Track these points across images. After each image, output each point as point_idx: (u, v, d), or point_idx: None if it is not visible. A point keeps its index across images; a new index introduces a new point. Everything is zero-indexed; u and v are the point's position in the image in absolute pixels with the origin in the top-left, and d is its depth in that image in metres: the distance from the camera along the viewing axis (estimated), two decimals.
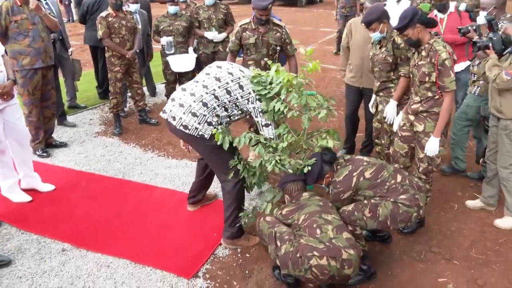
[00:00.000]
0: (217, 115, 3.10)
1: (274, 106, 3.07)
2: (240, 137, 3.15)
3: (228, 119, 3.21)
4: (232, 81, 3.14)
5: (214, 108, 3.08)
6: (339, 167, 3.08)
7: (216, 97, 3.08)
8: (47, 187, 4.11)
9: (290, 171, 3.13)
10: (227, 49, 4.49)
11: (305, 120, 3.08)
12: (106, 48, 5.30)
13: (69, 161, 4.76)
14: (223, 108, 3.12)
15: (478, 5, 5.47)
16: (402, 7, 5.74)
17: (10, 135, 3.81)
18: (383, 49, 3.69)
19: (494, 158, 3.64)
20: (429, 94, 3.28)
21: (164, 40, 5.61)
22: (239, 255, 3.31)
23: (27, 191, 4.02)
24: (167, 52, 5.64)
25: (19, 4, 4.45)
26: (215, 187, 4.16)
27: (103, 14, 5.17)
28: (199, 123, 3.05)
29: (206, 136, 3.08)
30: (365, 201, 2.97)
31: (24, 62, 4.53)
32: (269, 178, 3.52)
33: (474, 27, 3.83)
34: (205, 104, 3.06)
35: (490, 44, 3.39)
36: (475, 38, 3.58)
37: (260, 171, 3.19)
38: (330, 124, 5.75)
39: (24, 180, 4.05)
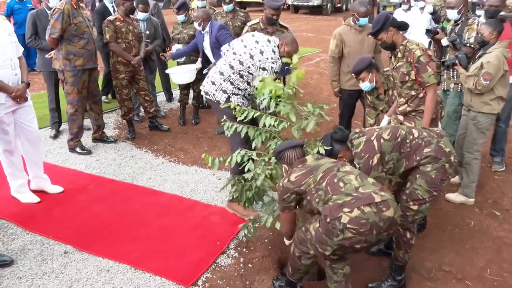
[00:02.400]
0: (232, 83, 3.57)
1: (264, 123, 3.05)
2: (232, 156, 3.15)
3: (247, 89, 3.60)
4: (244, 53, 3.55)
5: (229, 76, 3.56)
6: (353, 141, 2.87)
7: (231, 67, 3.57)
8: (56, 189, 4.13)
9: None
10: None
11: (295, 132, 3.05)
12: (111, 53, 5.27)
13: (80, 163, 4.78)
14: (238, 75, 3.56)
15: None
16: (412, 15, 5.71)
17: (22, 135, 3.84)
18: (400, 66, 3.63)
19: (462, 143, 4.06)
20: (413, 92, 3.41)
21: (175, 48, 5.54)
22: (241, 265, 3.22)
23: (36, 192, 4.05)
24: (178, 60, 5.58)
25: (74, 7, 4.60)
26: (222, 197, 4.11)
27: (111, 18, 5.18)
28: (216, 90, 3.61)
29: (221, 102, 3.53)
30: (403, 197, 2.85)
31: (77, 63, 4.72)
32: (270, 189, 3.43)
33: (440, 27, 4.29)
34: (221, 73, 3.60)
35: (457, 61, 3.91)
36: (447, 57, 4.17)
37: (256, 185, 3.12)
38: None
39: (34, 181, 4.08)
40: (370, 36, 3.50)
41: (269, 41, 3.61)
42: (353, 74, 3.76)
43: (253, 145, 3.23)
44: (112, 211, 3.86)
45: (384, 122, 3.85)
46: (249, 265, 3.22)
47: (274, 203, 3.19)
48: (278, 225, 2.97)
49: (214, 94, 3.61)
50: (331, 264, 2.62)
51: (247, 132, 3.18)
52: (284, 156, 2.74)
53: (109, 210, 3.88)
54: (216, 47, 4.89)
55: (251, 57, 3.52)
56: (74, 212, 3.84)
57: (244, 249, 3.38)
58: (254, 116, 3.13)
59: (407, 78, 3.35)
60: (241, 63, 3.54)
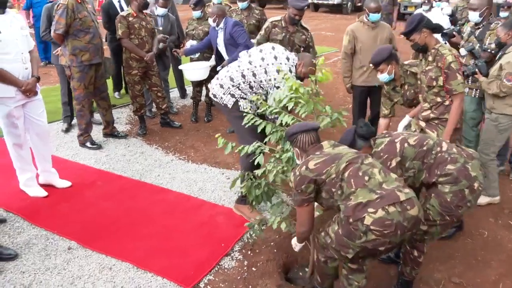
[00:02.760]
0: (240, 89, 3.55)
1: (281, 120, 2.99)
2: (244, 147, 3.09)
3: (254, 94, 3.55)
4: (260, 66, 3.51)
5: (239, 84, 3.53)
6: (376, 140, 2.75)
7: (243, 76, 3.54)
8: (64, 184, 4.13)
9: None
10: (255, 41, 4.71)
11: None
12: (123, 49, 5.23)
13: (90, 158, 4.78)
14: (248, 85, 3.54)
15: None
16: (433, 16, 5.57)
17: (31, 129, 3.85)
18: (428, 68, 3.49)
19: None
20: (438, 99, 3.29)
21: (189, 44, 5.50)
22: (245, 268, 3.16)
23: (44, 186, 4.05)
24: (191, 57, 5.55)
25: (78, 1, 4.59)
26: (230, 197, 4.06)
27: (124, 13, 5.13)
28: (223, 94, 3.59)
29: (229, 105, 3.59)
30: None
31: (84, 58, 4.70)
32: (279, 189, 3.35)
33: (456, 30, 4.22)
34: (231, 79, 3.56)
35: (477, 70, 3.77)
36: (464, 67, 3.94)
37: (266, 183, 3.04)
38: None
39: (42, 175, 4.09)
40: (402, 36, 3.37)
41: (288, 58, 3.53)
42: (371, 65, 3.59)
43: (266, 140, 3.18)
44: (118, 208, 3.84)
45: (404, 121, 3.75)
46: (253, 268, 3.16)
47: (283, 204, 3.11)
48: (283, 226, 2.88)
49: (221, 98, 3.60)
50: (348, 275, 2.53)
51: (260, 132, 3.14)
52: (298, 140, 2.55)
53: (115, 207, 3.86)
54: (230, 43, 4.84)
55: (266, 72, 3.49)
56: (81, 207, 3.84)
57: (249, 252, 3.32)
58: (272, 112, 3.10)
59: (434, 83, 3.23)
60: (254, 75, 3.51)
